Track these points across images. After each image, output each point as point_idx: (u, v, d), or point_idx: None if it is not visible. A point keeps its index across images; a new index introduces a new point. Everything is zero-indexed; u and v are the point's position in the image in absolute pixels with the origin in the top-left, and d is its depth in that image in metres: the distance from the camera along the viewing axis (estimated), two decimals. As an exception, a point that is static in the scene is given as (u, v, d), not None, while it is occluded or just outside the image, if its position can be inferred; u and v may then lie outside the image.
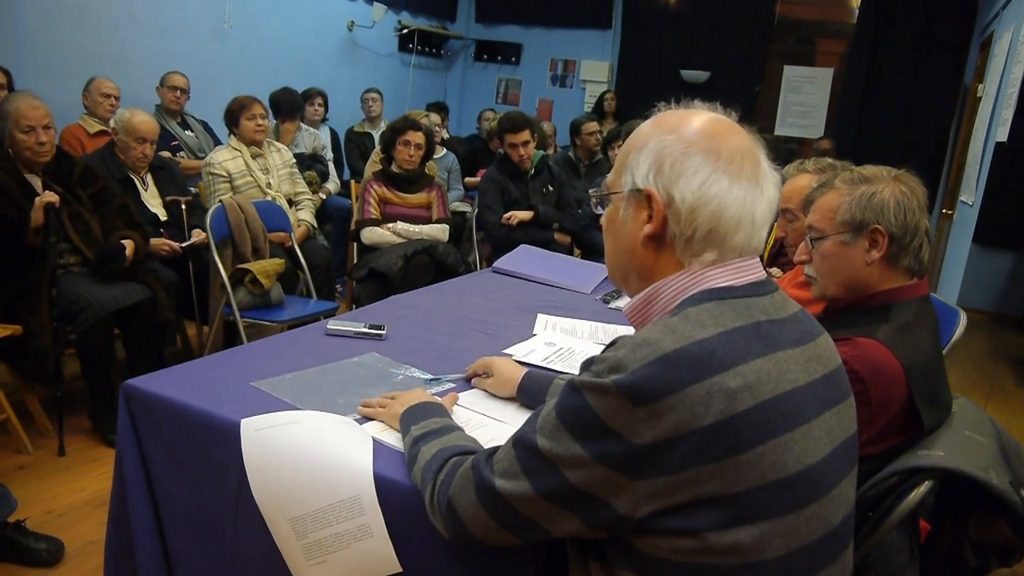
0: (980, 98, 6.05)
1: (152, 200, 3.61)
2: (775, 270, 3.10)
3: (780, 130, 7.50)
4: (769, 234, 3.53)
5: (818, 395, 0.97)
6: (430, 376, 1.69)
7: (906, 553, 1.41)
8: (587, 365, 0.92)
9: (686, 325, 0.90)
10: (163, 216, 3.59)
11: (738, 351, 0.89)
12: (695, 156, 0.96)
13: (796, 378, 0.94)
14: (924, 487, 1.28)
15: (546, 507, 0.93)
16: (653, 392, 0.85)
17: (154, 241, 3.39)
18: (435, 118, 5.52)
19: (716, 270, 0.97)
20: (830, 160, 2.31)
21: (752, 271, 1.00)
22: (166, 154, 4.27)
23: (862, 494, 1.33)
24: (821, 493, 0.94)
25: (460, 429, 1.25)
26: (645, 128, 1.03)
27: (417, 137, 3.92)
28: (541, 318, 2.28)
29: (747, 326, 0.93)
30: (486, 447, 1.08)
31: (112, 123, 3.51)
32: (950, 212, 6.45)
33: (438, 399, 1.41)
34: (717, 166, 0.95)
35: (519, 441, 0.97)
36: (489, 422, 1.49)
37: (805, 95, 7.46)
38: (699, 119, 1.00)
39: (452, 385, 1.65)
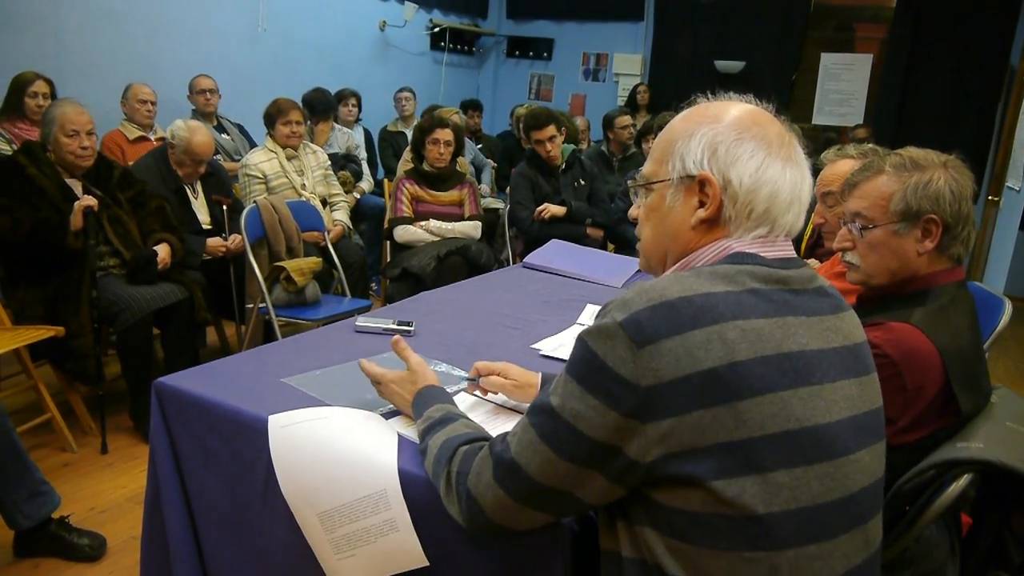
0: (1027, 80, 5.85)
1: (202, 208, 3.65)
2: (813, 261, 3.04)
3: (818, 119, 7.35)
4: (806, 225, 3.49)
5: (836, 363, 0.98)
6: (468, 376, 1.56)
7: (946, 548, 1.37)
8: (598, 317, 0.96)
9: (696, 279, 0.94)
10: (206, 223, 3.63)
11: (742, 308, 0.92)
12: (748, 142, 1.00)
13: (806, 342, 0.95)
14: (963, 480, 1.24)
15: (567, 469, 0.95)
16: (654, 332, 0.88)
17: (210, 242, 3.47)
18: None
19: (746, 240, 1.00)
20: (872, 145, 2.26)
21: (784, 249, 1.03)
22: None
23: (899, 487, 1.30)
24: (835, 455, 0.95)
25: (463, 416, 1.25)
26: (687, 118, 1.06)
27: (446, 135, 3.93)
28: (590, 308, 2.29)
29: (760, 290, 0.95)
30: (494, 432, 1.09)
31: (169, 135, 3.50)
32: (996, 199, 6.24)
33: (433, 378, 1.37)
34: (770, 151, 1.00)
35: (533, 408, 0.99)
36: (513, 414, 1.48)
37: (844, 82, 7.29)
38: (741, 109, 1.05)
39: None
